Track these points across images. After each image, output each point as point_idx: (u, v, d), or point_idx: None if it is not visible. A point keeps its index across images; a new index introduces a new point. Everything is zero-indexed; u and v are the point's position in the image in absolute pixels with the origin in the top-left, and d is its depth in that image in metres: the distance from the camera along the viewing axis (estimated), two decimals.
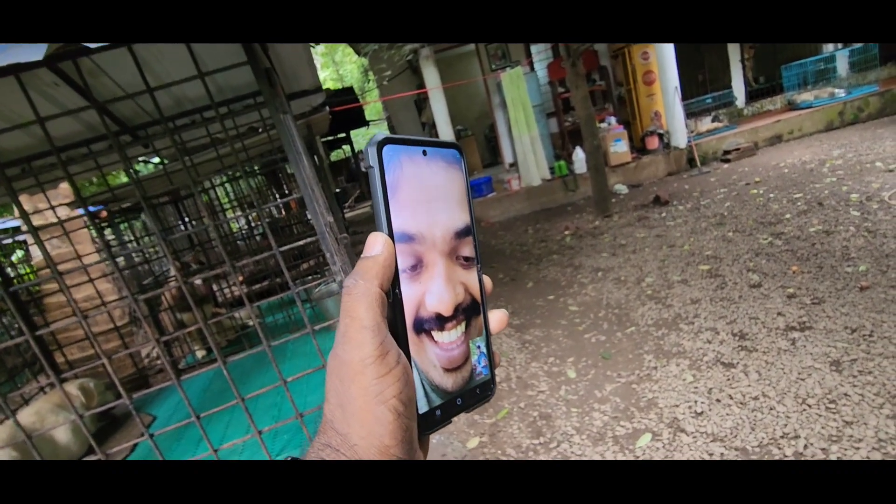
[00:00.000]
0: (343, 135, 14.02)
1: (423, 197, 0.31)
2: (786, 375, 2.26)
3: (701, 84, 9.25)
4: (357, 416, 0.27)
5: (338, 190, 11.19)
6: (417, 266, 0.31)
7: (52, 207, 1.94)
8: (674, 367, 2.57)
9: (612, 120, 7.99)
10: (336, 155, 16.60)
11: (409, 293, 0.30)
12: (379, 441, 0.27)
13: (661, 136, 7.77)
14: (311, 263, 4.12)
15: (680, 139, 7.62)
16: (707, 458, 1.93)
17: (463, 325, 0.33)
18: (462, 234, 0.33)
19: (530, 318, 3.71)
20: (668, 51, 7.47)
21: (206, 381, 2.37)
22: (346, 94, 9.99)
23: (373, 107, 18.00)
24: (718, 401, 2.22)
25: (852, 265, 3.11)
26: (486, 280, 0.36)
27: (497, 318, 0.36)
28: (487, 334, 0.35)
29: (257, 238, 4.90)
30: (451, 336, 0.32)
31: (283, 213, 7.32)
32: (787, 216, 4.31)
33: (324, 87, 2.93)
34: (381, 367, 0.27)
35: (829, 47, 8.56)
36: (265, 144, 2.95)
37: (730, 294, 3.18)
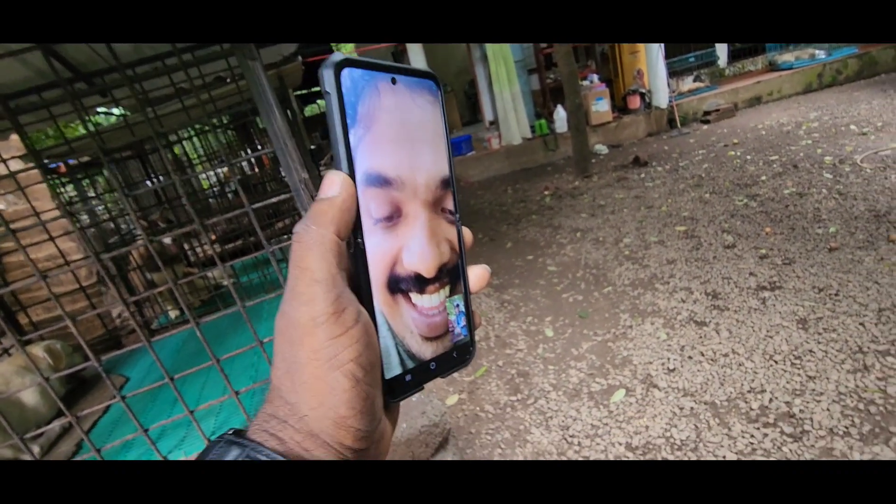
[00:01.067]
0: (318, 88, 13.47)
1: (397, 134, 0.27)
2: (755, 333, 2.34)
3: (685, 43, 9.10)
4: (308, 383, 0.23)
5: (313, 147, 10.85)
6: (394, 216, 0.27)
7: (3, 161, 1.80)
8: (648, 326, 2.63)
9: (595, 78, 7.86)
10: (311, 110, 16.01)
11: (384, 247, 0.27)
12: (333, 412, 0.23)
13: (643, 95, 7.69)
14: (286, 222, 4.02)
15: (662, 99, 7.57)
16: (678, 411, 2.00)
17: (447, 288, 0.30)
18: (447, 182, 0.30)
19: (509, 277, 3.73)
20: None
21: (179, 343, 2.32)
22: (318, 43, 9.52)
23: None
24: (690, 357, 2.30)
25: (823, 227, 3.19)
26: (467, 233, 0.32)
27: (478, 274, 0.33)
28: (467, 293, 0.32)
29: (229, 196, 4.74)
30: (432, 301, 0.29)
31: (256, 169, 7.08)
32: (763, 178, 4.37)
33: None
34: (336, 327, 0.23)
35: None
36: (234, 96, 2.79)
37: (705, 255, 3.24)
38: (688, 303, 2.75)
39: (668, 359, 2.33)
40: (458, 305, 0.31)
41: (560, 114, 7.42)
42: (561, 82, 7.57)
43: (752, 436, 1.79)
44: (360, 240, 0.26)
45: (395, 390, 0.28)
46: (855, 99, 6.40)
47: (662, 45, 7.35)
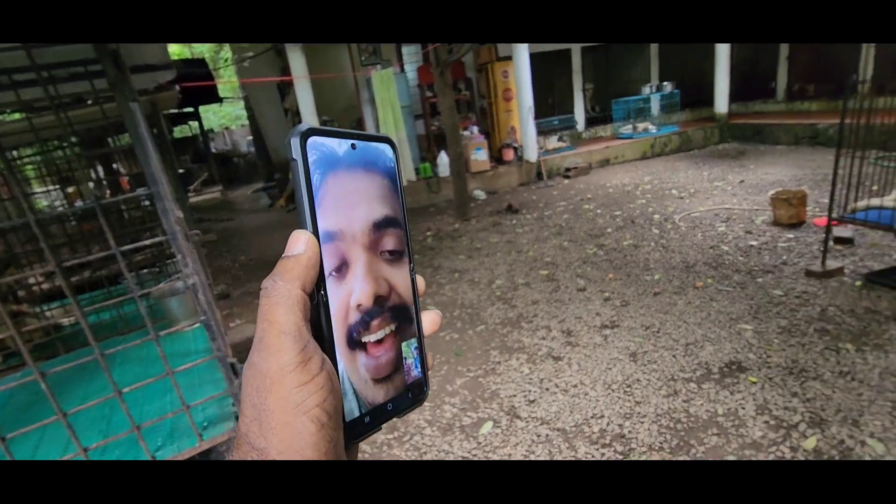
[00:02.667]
0: (191, 109, 12.57)
1: (351, 193, 0.30)
2: (598, 366, 2.72)
3: (550, 106, 10.37)
4: (276, 429, 0.25)
5: (181, 171, 10.02)
6: (342, 267, 0.29)
7: None
8: (514, 361, 2.90)
9: (475, 129, 8.55)
10: (181, 131, 14.80)
11: (337, 297, 0.29)
12: (300, 455, 0.25)
13: (515, 149, 8.54)
14: (146, 255, 3.67)
15: (532, 154, 8.47)
16: (536, 438, 2.24)
17: (391, 326, 0.32)
18: (382, 225, 0.32)
19: None
20: (524, 72, 8.24)
21: (4, 394, 2.00)
22: (197, 65, 9.01)
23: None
24: (547, 389, 2.59)
25: (650, 274, 3.84)
26: (420, 280, 0.34)
27: (430, 318, 0.35)
28: (420, 336, 0.34)
29: (73, 222, 4.17)
30: (377, 335, 0.31)
31: (111, 193, 6.32)
32: (609, 230, 5.11)
33: (170, 55, 2.65)
34: (303, 375, 0.25)
35: (646, 90, 10.28)
36: (95, 119, 2.57)
37: (562, 296, 3.69)
38: (547, 340, 3.10)
39: (530, 391, 2.60)
40: (414, 349, 0.33)
41: (443, 159, 7.89)
42: (443, 129, 8.11)
43: (593, 456, 2.07)
44: (322, 292, 0.28)
45: (356, 431, 0.30)
46: (676, 168, 7.84)
47: (532, 107, 8.30)
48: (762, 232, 4.40)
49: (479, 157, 8.16)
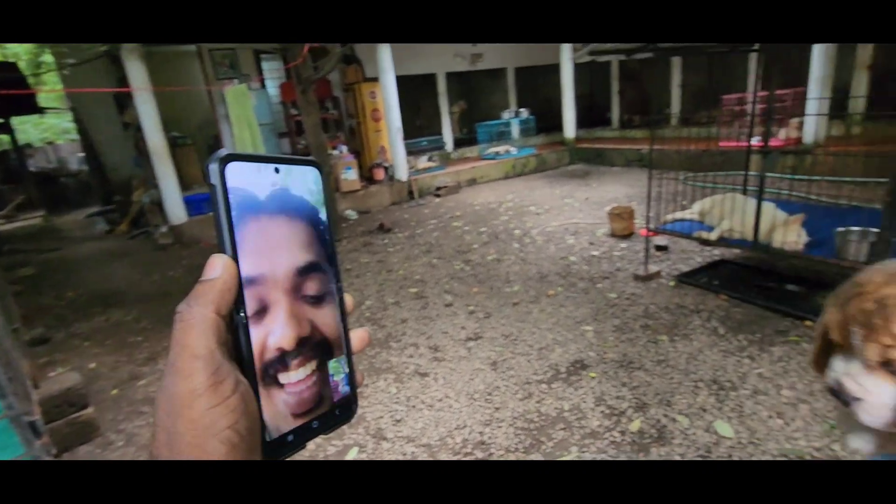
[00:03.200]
0: (1, 120, 10.54)
1: (273, 233, 0.30)
2: (462, 378, 2.82)
3: (419, 128, 10.71)
4: (185, 452, 0.25)
5: None
6: (262, 311, 0.29)
7: None
8: (382, 382, 2.88)
9: (344, 148, 8.46)
10: None
11: (255, 338, 0.29)
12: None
13: (386, 168, 8.62)
14: None
15: (402, 173, 8.62)
16: (401, 457, 2.23)
17: (313, 363, 0.32)
18: (305, 270, 0.31)
19: None
20: (392, 94, 8.41)
21: None
22: (7, 70, 7.63)
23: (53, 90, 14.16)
24: (414, 406, 2.61)
25: (510, 286, 4.12)
26: (348, 298, 0.35)
27: (359, 336, 0.36)
28: (349, 353, 0.35)
29: None
30: (298, 375, 0.31)
31: None
32: (475, 246, 5.39)
33: None
34: (214, 398, 0.25)
35: (506, 115, 11.15)
36: None
37: (430, 313, 3.77)
38: (415, 357, 3.13)
39: (397, 410, 2.59)
40: (343, 365, 0.34)
41: None
42: (310, 149, 7.87)
43: None
44: (242, 314, 0.28)
45: (278, 451, 0.30)
46: (534, 187, 8.59)
47: (401, 127, 8.49)
48: (602, 243, 5.00)
49: (350, 176, 8.08)
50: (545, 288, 3.98)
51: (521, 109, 11.17)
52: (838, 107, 7.17)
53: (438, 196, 8.71)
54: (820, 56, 6.38)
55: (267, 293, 0.29)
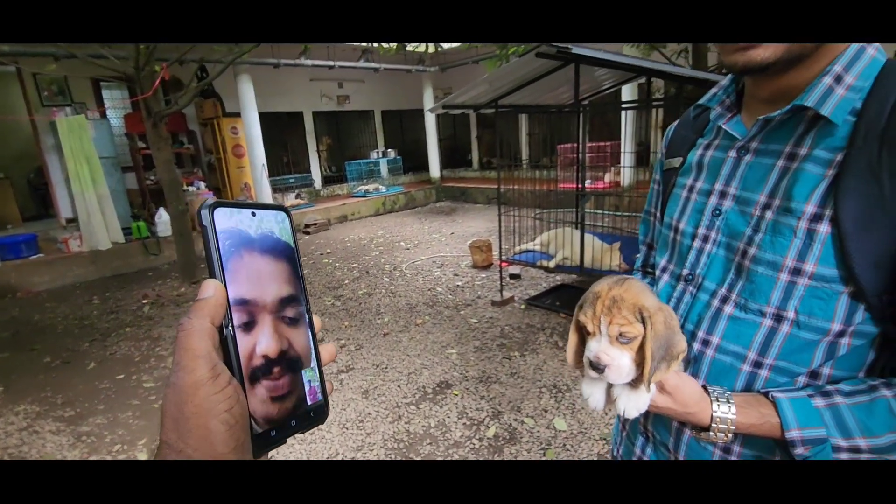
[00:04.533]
0: None
1: (257, 265, 0.37)
2: (334, 409, 2.88)
3: (285, 165, 10.52)
4: (192, 431, 0.30)
5: None
6: (251, 326, 0.36)
7: None
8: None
9: (202, 185, 7.97)
10: None
11: (244, 344, 0.35)
12: (212, 449, 0.30)
13: None
14: None
15: None
16: None
17: (290, 371, 0.38)
18: (287, 300, 0.38)
19: (91, 404, 3.17)
20: (255, 130, 8.22)
21: None
22: None
23: None
24: (286, 443, 2.59)
25: (381, 318, 4.29)
26: (316, 319, 0.41)
27: (327, 349, 0.42)
28: (319, 365, 0.41)
29: None
30: (278, 379, 0.37)
31: None
32: (346, 282, 5.47)
33: None
34: (213, 387, 0.31)
35: (374, 154, 11.53)
36: None
37: None
38: None
39: None
40: (312, 376, 0.40)
41: (163, 216, 7.05)
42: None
43: None
44: (230, 327, 0.34)
45: (264, 442, 0.35)
46: (404, 223, 8.96)
47: (265, 164, 8.29)
48: (465, 274, 5.46)
49: None
50: (414, 317, 4.23)
51: (389, 150, 11.66)
52: (643, 157, 8.87)
53: (308, 233, 8.60)
54: (627, 116, 7.90)
55: (256, 312, 0.36)
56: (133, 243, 6.91)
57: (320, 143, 11.17)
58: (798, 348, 0.61)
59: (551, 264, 4.09)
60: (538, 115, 11.08)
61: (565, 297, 4.47)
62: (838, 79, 0.57)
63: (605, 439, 2.44)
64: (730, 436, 0.60)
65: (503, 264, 4.57)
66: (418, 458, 2.39)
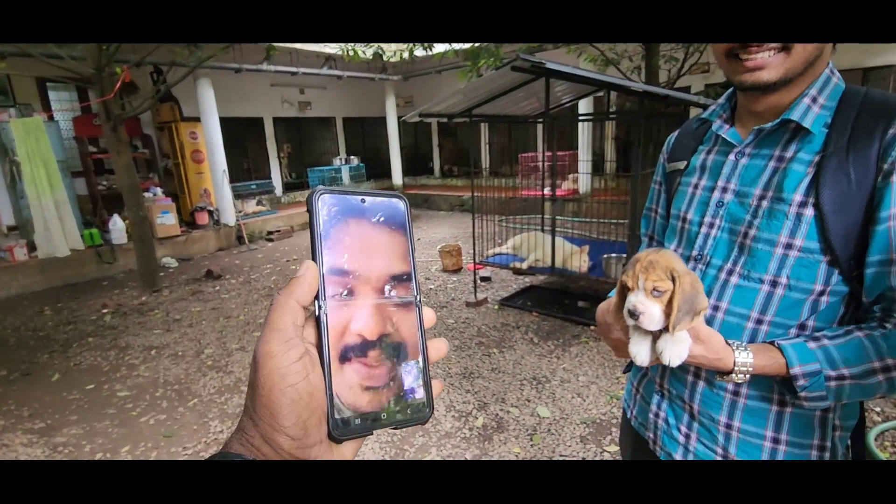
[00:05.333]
0: None
1: (360, 238, 0.36)
2: None
3: (246, 171, 10.31)
4: (261, 399, 0.31)
5: None
6: (348, 295, 0.35)
7: None
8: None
9: (158, 191, 7.70)
10: None
11: (337, 318, 0.34)
12: (275, 420, 0.31)
13: (210, 212, 8.08)
14: None
15: (229, 217, 8.17)
16: None
17: (389, 359, 0.36)
18: (395, 278, 0.37)
19: (62, 415, 3.05)
20: (215, 135, 8.05)
21: None
22: None
23: None
24: None
25: None
26: (428, 311, 0.39)
27: (436, 346, 0.39)
28: (425, 360, 0.37)
29: None
30: (366, 359, 0.35)
31: None
32: None
33: None
34: (283, 360, 0.31)
35: (336, 161, 11.49)
36: None
37: None
38: None
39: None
40: (414, 370, 0.36)
41: (117, 224, 6.77)
42: (116, 189, 7.02)
43: None
44: (321, 304, 0.34)
45: (344, 430, 0.33)
46: None
47: (226, 170, 8.12)
48: (436, 277, 5.59)
49: (167, 220, 7.35)
50: None
51: (352, 157, 11.66)
52: (598, 166, 9.36)
53: (271, 240, 8.47)
54: (583, 128, 8.34)
55: (357, 286, 0.35)
56: (85, 252, 6.57)
57: (281, 149, 11.02)
58: (790, 306, 0.78)
59: (524, 266, 4.30)
60: (498, 126, 11.45)
61: (536, 297, 4.70)
62: (814, 99, 0.76)
63: (585, 423, 2.64)
64: (748, 376, 0.74)
65: (477, 267, 4.75)
66: (413, 449, 2.50)
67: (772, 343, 0.76)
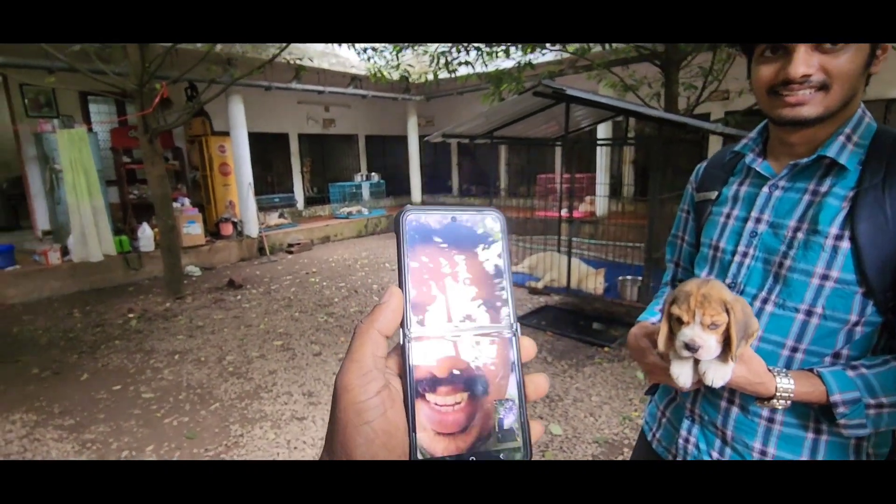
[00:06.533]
0: None
1: (450, 260, 0.33)
2: None
3: (270, 184, 10.60)
4: (337, 435, 0.29)
5: None
6: (436, 323, 0.32)
7: None
8: (258, 430, 2.89)
9: (186, 201, 7.97)
10: None
11: (423, 349, 0.32)
12: (349, 457, 0.29)
13: (235, 223, 8.32)
14: None
15: (252, 229, 8.40)
16: None
17: (464, 395, 0.32)
18: (488, 304, 0.33)
19: (90, 413, 3.17)
20: (243, 149, 8.33)
21: None
22: None
23: None
24: (296, 448, 2.70)
25: None
26: (527, 343, 0.35)
27: (536, 382, 0.35)
28: (521, 398, 0.33)
29: None
30: (444, 400, 0.31)
31: None
32: (336, 300, 5.58)
33: None
34: (359, 394, 0.29)
35: (357, 178, 11.74)
36: None
37: (300, 363, 3.85)
38: (290, 404, 3.20)
39: (278, 453, 2.65)
40: (509, 407, 0.33)
41: (146, 232, 7.02)
42: (146, 199, 7.30)
43: None
44: (406, 335, 0.31)
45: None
46: (387, 245, 9.13)
47: (251, 183, 8.37)
48: None
49: (193, 230, 7.60)
50: None
51: (373, 173, 11.90)
52: (615, 190, 9.41)
53: (291, 252, 8.66)
54: (601, 152, 8.43)
55: (445, 314, 0.32)
56: (114, 258, 6.82)
57: (304, 164, 11.32)
58: (825, 335, 0.79)
59: (539, 285, 4.36)
60: (515, 147, 11.61)
61: (550, 317, 4.73)
62: (848, 137, 0.80)
63: (597, 442, 2.66)
64: (788, 402, 0.76)
65: None
66: None
67: (810, 370, 0.78)
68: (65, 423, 3.06)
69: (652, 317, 1.04)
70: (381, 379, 0.30)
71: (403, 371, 0.31)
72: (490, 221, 0.34)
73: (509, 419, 0.33)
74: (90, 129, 7.24)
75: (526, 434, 0.33)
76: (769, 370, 0.77)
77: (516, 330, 0.34)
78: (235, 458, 2.64)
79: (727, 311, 0.73)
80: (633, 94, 6.23)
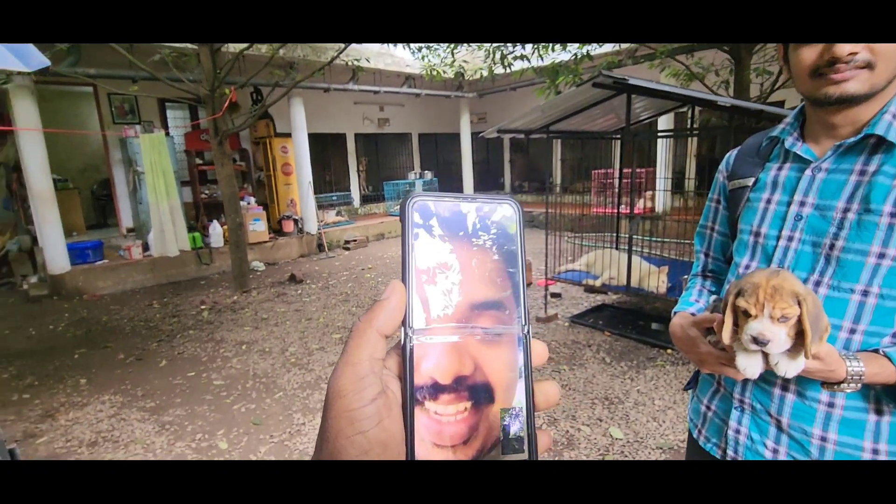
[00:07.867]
0: None
1: (460, 253, 0.30)
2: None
3: (328, 183, 10.96)
4: (327, 441, 0.27)
5: None
6: (441, 323, 0.29)
7: None
8: (320, 420, 2.99)
9: (252, 200, 8.40)
10: None
11: (425, 351, 0.29)
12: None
13: (295, 221, 8.68)
14: None
15: (311, 226, 8.73)
16: None
17: (467, 402, 0.29)
18: (481, 306, 0.30)
19: (168, 397, 3.42)
20: (304, 149, 8.67)
21: None
22: None
23: None
24: None
25: None
26: (539, 347, 0.32)
27: (546, 390, 0.32)
28: (529, 406, 0.30)
29: None
30: (445, 409, 0.29)
31: None
32: None
33: None
34: (353, 402, 0.26)
35: (411, 176, 11.91)
36: None
37: None
38: None
39: None
40: (515, 415, 0.30)
41: (216, 229, 7.47)
42: (216, 198, 7.76)
43: None
44: (408, 334, 0.28)
45: None
46: None
47: (311, 182, 8.70)
48: None
49: (258, 227, 8.01)
50: None
51: (426, 171, 12.03)
52: (678, 184, 8.96)
53: (348, 249, 8.92)
54: (662, 145, 8.05)
55: (452, 313, 0.29)
56: (187, 253, 7.32)
57: (360, 163, 11.62)
58: (883, 315, 0.78)
59: (598, 283, 4.23)
60: (569, 142, 11.32)
61: (607, 316, 4.59)
62: (895, 115, 0.79)
63: (661, 448, 2.55)
64: (859, 385, 0.74)
65: (548, 283, 4.73)
66: None
67: (875, 351, 0.77)
68: (146, 406, 3.32)
69: (689, 307, 1.02)
70: (378, 384, 0.27)
71: (403, 375, 0.28)
72: (505, 211, 0.31)
73: (515, 429, 0.30)
74: (167, 134, 7.81)
75: (533, 445, 0.30)
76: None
77: (528, 332, 0.31)
78: (299, 445, 2.75)
79: (799, 304, 0.70)
80: (699, 83, 5.90)
